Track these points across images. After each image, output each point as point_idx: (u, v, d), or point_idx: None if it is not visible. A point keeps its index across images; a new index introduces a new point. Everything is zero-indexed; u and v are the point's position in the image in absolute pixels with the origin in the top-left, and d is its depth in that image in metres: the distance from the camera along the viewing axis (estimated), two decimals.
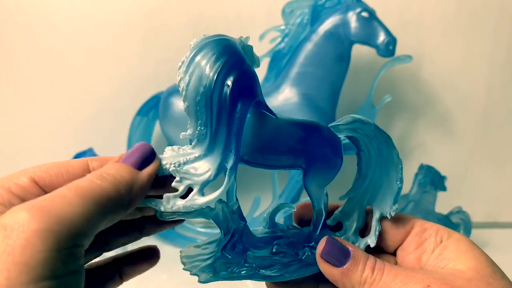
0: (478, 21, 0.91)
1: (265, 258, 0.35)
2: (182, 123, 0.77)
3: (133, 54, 0.90)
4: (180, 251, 0.36)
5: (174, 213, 0.31)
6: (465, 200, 0.89)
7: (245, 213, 0.84)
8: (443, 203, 0.85)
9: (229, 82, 0.30)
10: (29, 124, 0.93)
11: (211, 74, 0.30)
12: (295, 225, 0.41)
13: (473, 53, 0.92)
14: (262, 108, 0.33)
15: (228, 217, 0.34)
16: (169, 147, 0.32)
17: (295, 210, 0.39)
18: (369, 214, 0.38)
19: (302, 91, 0.79)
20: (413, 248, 0.35)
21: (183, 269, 0.34)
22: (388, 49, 0.77)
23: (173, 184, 0.31)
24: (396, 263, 0.36)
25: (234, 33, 0.33)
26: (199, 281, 0.33)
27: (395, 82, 0.93)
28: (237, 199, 0.36)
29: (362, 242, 0.37)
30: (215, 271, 0.33)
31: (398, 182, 0.35)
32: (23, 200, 0.27)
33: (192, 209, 0.31)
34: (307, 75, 0.79)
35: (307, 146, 0.35)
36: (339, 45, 0.79)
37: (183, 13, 0.89)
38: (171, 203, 0.30)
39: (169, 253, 0.54)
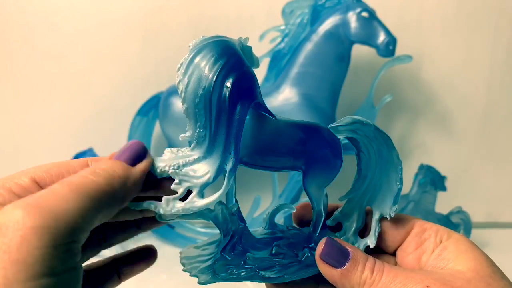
0: (478, 21, 0.91)
1: (264, 260, 0.35)
2: (182, 123, 0.77)
3: (133, 54, 0.90)
4: (180, 252, 0.36)
5: (173, 215, 0.31)
6: (465, 200, 0.89)
7: (245, 213, 0.85)
8: (443, 203, 0.85)
9: (228, 84, 0.30)
10: (29, 124, 0.93)
11: (210, 76, 0.30)
12: (295, 225, 0.41)
13: (473, 53, 0.92)
14: (262, 110, 0.33)
15: (228, 219, 0.34)
16: (168, 149, 0.32)
17: (294, 211, 0.39)
18: (368, 214, 0.38)
19: (302, 91, 0.79)
20: (412, 249, 0.35)
21: (183, 270, 0.34)
22: (388, 49, 0.77)
23: (172, 186, 0.31)
24: (395, 264, 0.36)
25: (234, 33, 0.33)
26: (199, 283, 0.33)
27: (395, 82, 0.93)
28: (236, 201, 0.36)
29: (362, 243, 0.37)
30: (214, 273, 0.33)
31: (398, 183, 0.35)
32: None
33: (192, 212, 0.31)
34: (307, 75, 0.79)
35: (307, 148, 0.35)
36: (339, 45, 0.79)
37: (183, 13, 0.89)
38: (170, 206, 0.30)
39: (169, 253, 0.54)
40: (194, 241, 0.85)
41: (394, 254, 0.37)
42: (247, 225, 0.37)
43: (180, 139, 0.32)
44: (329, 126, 0.36)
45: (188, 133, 0.31)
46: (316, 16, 0.81)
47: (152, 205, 0.31)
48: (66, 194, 0.24)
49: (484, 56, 0.92)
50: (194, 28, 0.89)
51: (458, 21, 0.91)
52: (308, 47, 0.79)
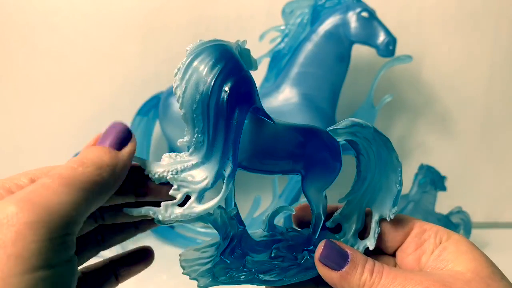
0: (478, 21, 0.91)
1: (264, 263, 0.35)
2: (182, 123, 0.77)
3: (133, 54, 0.90)
4: (180, 255, 0.36)
5: (172, 220, 0.31)
6: (465, 200, 0.89)
7: (245, 213, 0.85)
8: (443, 203, 0.85)
9: (226, 89, 0.30)
10: (29, 124, 0.93)
11: (208, 81, 0.29)
12: (295, 227, 0.41)
13: (473, 53, 0.92)
14: (260, 114, 0.33)
15: (227, 223, 0.34)
16: (167, 154, 0.32)
17: (294, 213, 0.39)
18: (368, 216, 0.38)
19: (302, 91, 0.79)
20: (412, 249, 0.35)
21: (183, 273, 0.34)
22: (388, 49, 0.77)
23: (171, 192, 0.31)
24: (395, 265, 0.36)
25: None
26: (199, 286, 0.33)
27: (395, 82, 0.93)
28: (235, 205, 0.35)
29: (361, 244, 0.37)
30: (214, 276, 0.33)
31: (397, 185, 0.35)
32: None
33: (190, 217, 0.30)
34: (307, 75, 0.79)
35: (306, 151, 0.34)
36: (339, 45, 0.79)
37: (183, 13, 0.89)
38: (169, 212, 0.30)
39: (169, 253, 0.54)
40: (194, 241, 0.85)
41: (393, 255, 0.37)
42: (247, 224, 0.37)
43: (178, 144, 0.32)
44: (328, 129, 0.36)
45: (186, 138, 0.31)
46: (316, 16, 0.81)
47: (150, 211, 0.30)
48: (57, 188, 0.24)
49: (484, 56, 0.92)
50: (194, 28, 0.89)
51: (458, 21, 0.91)
52: (308, 47, 0.79)
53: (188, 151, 0.31)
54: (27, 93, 0.92)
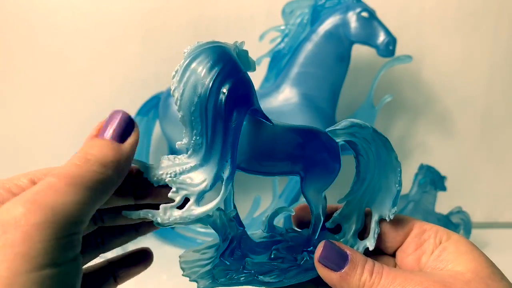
0: (478, 21, 0.91)
1: (263, 264, 0.35)
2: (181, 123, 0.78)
3: (133, 54, 0.90)
4: (179, 256, 0.36)
5: (171, 223, 0.30)
6: (465, 200, 0.89)
7: (245, 213, 0.85)
8: (443, 203, 0.85)
9: (224, 90, 0.29)
10: (29, 124, 0.93)
11: (206, 83, 0.29)
12: (294, 227, 0.41)
13: (473, 53, 0.92)
14: (258, 116, 0.33)
15: (226, 224, 0.34)
16: (165, 156, 0.32)
17: (293, 214, 0.39)
18: (368, 216, 0.38)
19: (302, 91, 0.79)
20: (412, 250, 0.35)
21: (183, 275, 0.34)
22: (388, 49, 0.77)
23: (170, 194, 0.30)
24: (395, 265, 0.36)
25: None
26: None
27: (395, 82, 0.93)
28: (235, 206, 0.35)
29: (361, 245, 0.37)
30: (214, 278, 0.33)
31: (397, 185, 0.35)
32: None
33: (189, 220, 0.30)
34: (307, 75, 0.79)
35: (305, 152, 0.34)
36: (339, 45, 0.79)
37: (183, 13, 0.89)
38: (167, 214, 0.30)
39: (169, 253, 0.54)
40: (194, 241, 0.85)
41: (393, 255, 0.37)
42: (247, 224, 0.37)
43: (176, 146, 0.31)
44: (327, 129, 0.35)
45: (185, 141, 0.31)
46: (316, 16, 0.81)
47: (149, 214, 0.30)
48: (63, 188, 0.24)
49: (484, 56, 0.92)
50: (194, 28, 0.89)
51: (458, 21, 0.91)
52: (308, 47, 0.79)
53: (187, 153, 0.31)
54: (27, 93, 0.92)
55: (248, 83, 0.31)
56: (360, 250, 0.37)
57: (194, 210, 0.30)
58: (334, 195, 0.39)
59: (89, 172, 0.26)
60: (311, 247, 0.36)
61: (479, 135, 0.97)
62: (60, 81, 0.91)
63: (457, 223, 0.83)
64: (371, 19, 0.77)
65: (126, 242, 0.36)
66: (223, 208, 0.34)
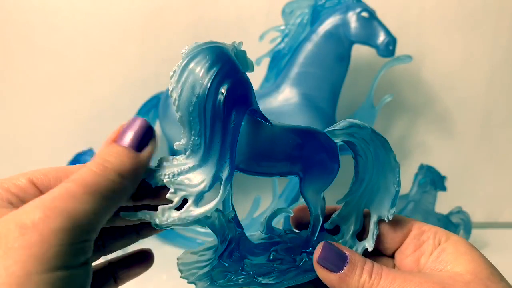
0: (478, 21, 0.91)
1: (262, 266, 0.35)
2: None
3: (133, 54, 0.90)
4: (177, 258, 0.36)
5: (169, 224, 0.30)
6: (465, 200, 0.89)
7: (245, 213, 0.85)
8: (443, 203, 0.85)
9: (223, 91, 0.29)
10: (29, 124, 0.93)
11: (204, 83, 0.29)
12: (293, 228, 0.41)
13: (473, 53, 0.92)
14: (257, 116, 0.33)
15: (224, 226, 0.34)
16: (164, 157, 0.32)
17: (292, 215, 0.39)
18: (367, 217, 0.38)
19: (302, 91, 0.79)
20: (411, 251, 0.35)
21: (181, 277, 0.34)
22: (388, 49, 0.76)
23: (168, 195, 0.30)
24: (394, 266, 0.36)
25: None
26: None
27: (395, 82, 0.93)
28: (233, 207, 0.35)
29: (360, 246, 0.37)
30: (212, 280, 0.33)
31: (395, 186, 0.35)
32: (21, 199, 0.28)
33: (188, 221, 0.30)
34: (307, 75, 0.79)
35: (304, 153, 0.34)
36: (339, 45, 0.79)
37: (183, 13, 0.89)
38: (166, 215, 0.30)
39: (169, 253, 0.54)
40: (194, 241, 0.85)
41: (392, 256, 0.37)
42: (247, 224, 0.37)
43: (175, 147, 0.31)
44: (325, 130, 0.35)
45: (183, 141, 0.31)
46: (316, 16, 0.81)
47: (147, 215, 0.30)
48: (81, 196, 0.25)
49: (484, 56, 0.92)
50: (194, 28, 0.89)
51: (458, 21, 0.91)
52: (308, 47, 0.79)
53: (185, 154, 0.31)
54: (27, 93, 0.92)
55: (247, 83, 0.31)
56: (359, 251, 0.37)
57: (193, 211, 0.30)
58: (333, 196, 0.39)
59: (106, 181, 0.27)
60: (310, 248, 0.36)
61: (479, 135, 0.97)
62: (60, 81, 0.91)
63: (457, 223, 0.83)
64: (371, 19, 0.77)
65: (128, 244, 0.36)
66: (221, 209, 0.34)
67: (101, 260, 0.36)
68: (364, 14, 0.77)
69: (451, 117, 0.95)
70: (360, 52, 0.84)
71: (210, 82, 0.29)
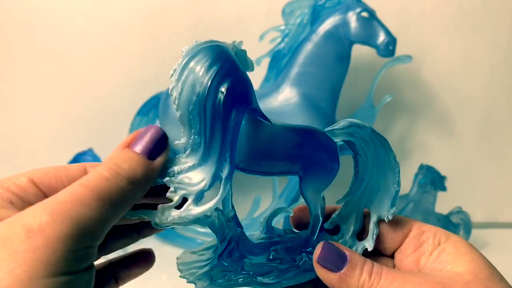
0: (478, 21, 0.90)
1: (262, 265, 0.35)
2: None
3: (133, 54, 0.90)
4: (177, 258, 0.36)
5: (169, 223, 0.30)
6: (465, 200, 0.89)
7: (245, 213, 0.85)
8: (443, 203, 0.85)
9: (223, 89, 0.29)
10: (29, 124, 0.93)
11: (204, 82, 0.29)
12: (293, 228, 0.41)
13: (473, 53, 0.92)
14: (257, 115, 0.33)
15: (224, 225, 0.34)
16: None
17: (292, 214, 0.39)
18: (366, 217, 0.38)
19: (302, 91, 0.79)
20: (411, 251, 0.35)
21: (180, 276, 0.34)
22: (388, 49, 0.76)
23: (168, 194, 0.30)
24: (394, 266, 0.36)
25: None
26: None
27: (395, 82, 0.93)
28: (233, 207, 0.35)
29: (360, 246, 0.37)
30: (212, 279, 0.33)
31: (395, 185, 0.35)
32: (21, 198, 0.28)
33: (187, 220, 0.30)
34: (307, 75, 0.79)
35: (304, 152, 0.34)
36: (339, 45, 0.79)
37: (183, 13, 0.89)
38: (165, 214, 0.30)
39: (169, 253, 0.54)
40: (194, 241, 0.85)
41: (392, 256, 0.37)
42: (247, 224, 0.37)
43: (174, 146, 0.31)
44: (325, 129, 0.35)
45: (183, 140, 0.31)
46: (316, 16, 0.81)
47: (147, 214, 0.30)
48: (90, 202, 0.25)
49: (484, 56, 0.92)
50: (194, 28, 0.89)
51: (458, 21, 0.91)
52: (308, 47, 0.79)
53: (185, 153, 0.31)
54: (27, 93, 0.92)
55: (247, 82, 0.31)
56: (358, 251, 0.37)
57: (193, 210, 0.30)
58: (333, 196, 0.39)
59: (117, 187, 0.27)
60: (310, 248, 0.36)
61: (479, 135, 0.96)
62: (60, 81, 0.91)
63: (457, 223, 0.83)
64: (371, 19, 0.77)
65: (128, 244, 0.36)
66: (221, 209, 0.34)
67: (102, 260, 0.36)
68: (364, 14, 0.77)
69: (451, 117, 0.95)
70: (360, 52, 0.84)
71: (210, 81, 0.29)
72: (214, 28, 0.89)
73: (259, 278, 0.33)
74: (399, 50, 0.78)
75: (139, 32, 0.89)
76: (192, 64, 0.29)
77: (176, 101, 0.30)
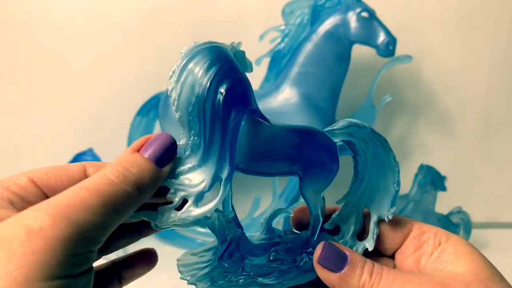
0: (478, 21, 0.91)
1: (262, 266, 0.35)
2: None
3: (133, 54, 0.90)
4: (177, 260, 0.36)
5: (169, 224, 0.30)
6: (465, 200, 0.89)
7: (245, 213, 0.85)
8: (443, 203, 0.85)
9: (222, 90, 0.29)
10: (29, 124, 0.93)
11: (203, 83, 0.29)
12: (293, 229, 0.41)
13: (473, 53, 0.92)
14: (256, 116, 0.33)
15: (224, 226, 0.34)
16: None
17: (292, 215, 0.39)
18: (367, 217, 0.38)
19: (302, 91, 0.79)
20: (411, 251, 0.35)
21: (181, 278, 0.33)
22: (388, 49, 0.76)
23: (168, 196, 0.30)
24: (394, 267, 0.36)
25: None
26: None
27: (395, 82, 0.93)
28: (233, 208, 0.35)
29: (360, 246, 0.37)
30: (212, 280, 0.33)
31: (395, 185, 0.35)
32: (21, 198, 0.28)
33: (188, 221, 0.30)
34: (307, 75, 0.79)
35: (303, 152, 0.34)
36: (339, 45, 0.79)
37: (183, 13, 0.89)
38: (166, 216, 0.30)
39: (169, 253, 0.54)
40: (194, 241, 0.85)
41: (392, 257, 0.37)
42: (247, 224, 0.37)
43: None
44: (325, 129, 0.35)
45: (182, 141, 0.31)
46: (316, 16, 0.81)
47: (147, 215, 0.30)
48: (94, 207, 0.25)
49: (484, 56, 0.92)
50: (194, 28, 0.89)
51: (458, 21, 0.91)
52: (308, 47, 0.79)
53: (185, 154, 0.31)
54: (27, 93, 0.92)
55: (246, 83, 0.31)
56: (359, 251, 0.36)
57: (193, 211, 0.30)
58: (333, 196, 0.39)
59: (123, 192, 0.26)
60: (310, 249, 0.36)
61: (479, 135, 0.97)
62: (60, 81, 0.91)
63: (457, 223, 0.83)
64: (371, 19, 0.77)
65: (128, 244, 0.36)
66: (221, 210, 0.34)
67: (104, 260, 0.36)
68: (364, 14, 0.77)
69: (451, 117, 0.95)
70: (360, 52, 0.84)
71: (209, 82, 0.29)
72: (214, 28, 0.89)
73: (260, 279, 0.33)
74: (399, 50, 0.78)
75: (139, 32, 0.89)
76: (191, 65, 0.29)
77: (175, 102, 0.30)
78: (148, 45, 0.90)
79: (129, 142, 0.86)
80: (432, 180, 0.82)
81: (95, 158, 0.80)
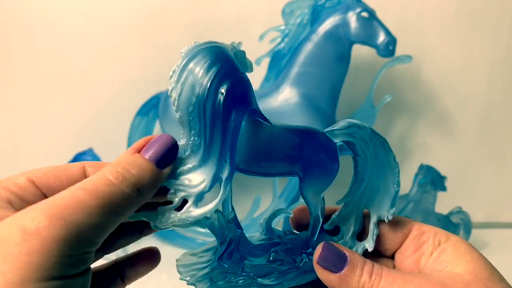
0: (478, 21, 0.91)
1: (262, 267, 0.35)
2: None
3: (133, 54, 0.90)
4: (176, 260, 0.36)
5: (169, 225, 0.30)
6: (465, 200, 0.89)
7: (245, 213, 0.85)
8: (443, 203, 0.85)
9: (222, 91, 0.29)
10: (29, 124, 0.93)
11: (204, 83, 0.29)
12: (293, 229, 0.41)
13: (473, 53, 0.92)
14: (257, 116, 0.33)
15: (224, 226, 0.34)
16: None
17: (292, 216, 0.39)
18: (366, 217, 0.38)
19: (302, 91, 0.79)
20: (411, 252, 0.35)
21: (180, 278, 0.33)
22: (388, 49, 0.76)
23: (168, 196, 0.30)
24: (394, 267, 0.36)
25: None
26: None
27: (395, 82, 0.93)
28: (233, 208, 0.35)
29: (360, 246, 0.37)
30: (212, 281, 0.32)
31: (395, 186, 0.35)
32: (20, 198, 0.27)
33: (188, 222, 0.30)
34: (307, 75, 0.79)
35: (303, 153, 0.34)
36: (339, 45, 0.79)
37: (183, 13, 0.89)
38: (165, 216, 0.30)
39: (169, 253, 0.54)
40: (194, 241, 0.85)
41: (392, 257, 0.37)
42: (247, 224, 0.37)
43: None
44: (325, 130, 0.35)
45: (183, 141, 0.31)
46: (316, 16, 0.80)
47: (147, 216, 0.30)
48: (92, 208, 0.25)
49: (484, 56, 0.92)
50: (194, 28, 0.89)
51: (458, 21, 0.91)
52: (308, 47, 0.79)
53: (185, 154, 0.31)
54: (27, 93, 0.92)
55: (246, 83, 0.31)
56: (359, 252, 0.36)
57: (193, 211, 0.30)
58: (333, 196, 0.39)
59: (122, 193, 0.26)
60: (310, 249, 0.36)
61: (479, 135, 0.97)
62: (60, 81, 0.91)
63: (457, 223, 0.83)
64: (371, 19, 0.77)
65: (129, 243, 0.36)
66: (221, 210, 0.34)
67: (107, 260, 0.36)
68: (364, 14, 0.77)
69: (451, 117, 0.95)
70: (360, 52, 0.84)
71: (209, 82, 0.29)
72: (214, 28, 0.89)
73: (260, 280, 0.33)
74: (399, 50, 0.78)
75: (139, 32, 0.89)
76: (191, 65, 0.29)
77: (176, 102, 0.29)
78: (148, 45, 0.90)
79: (129, 142, 0.86)
80: (432, 180, 0.82)
81: (95, 158, 0.80)
